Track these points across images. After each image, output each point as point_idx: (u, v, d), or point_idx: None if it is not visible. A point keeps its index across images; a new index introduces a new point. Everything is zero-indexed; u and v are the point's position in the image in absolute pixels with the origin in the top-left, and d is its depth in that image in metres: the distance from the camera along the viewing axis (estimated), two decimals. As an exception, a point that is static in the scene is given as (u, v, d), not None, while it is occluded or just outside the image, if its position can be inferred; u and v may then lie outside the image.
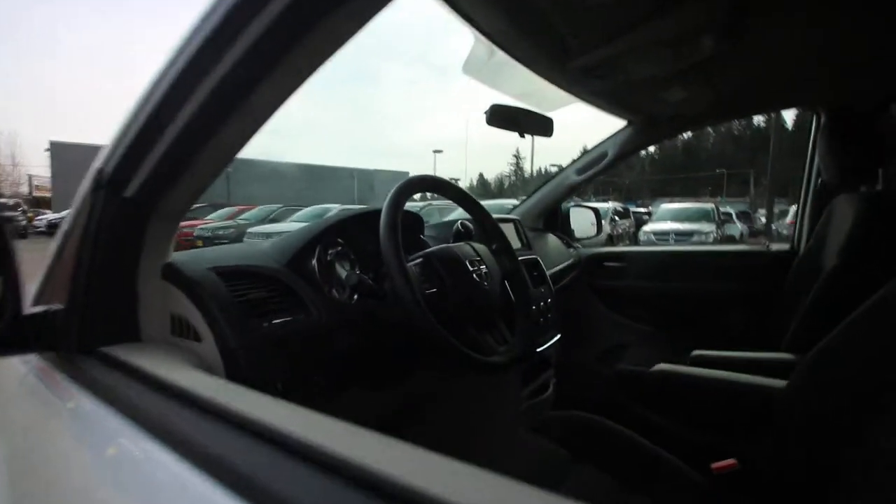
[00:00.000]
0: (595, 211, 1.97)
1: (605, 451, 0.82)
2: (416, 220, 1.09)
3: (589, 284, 1.76)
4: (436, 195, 0.94)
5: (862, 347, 0.54)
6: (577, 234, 1.79)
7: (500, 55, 0.96)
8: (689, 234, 10.23)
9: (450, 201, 0.92)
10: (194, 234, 9.39)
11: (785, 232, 12.35)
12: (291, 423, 0.33)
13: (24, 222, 15.58)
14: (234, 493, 0.29)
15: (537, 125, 1.27)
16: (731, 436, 0.86)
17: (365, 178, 29.92)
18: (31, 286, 0.66)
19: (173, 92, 0.48)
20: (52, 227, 13.94)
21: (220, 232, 9.79)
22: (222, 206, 13.19)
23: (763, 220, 15.13)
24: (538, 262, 1.33)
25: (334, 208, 9.81)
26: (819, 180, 1.43)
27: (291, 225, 8.86)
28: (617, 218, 12.01)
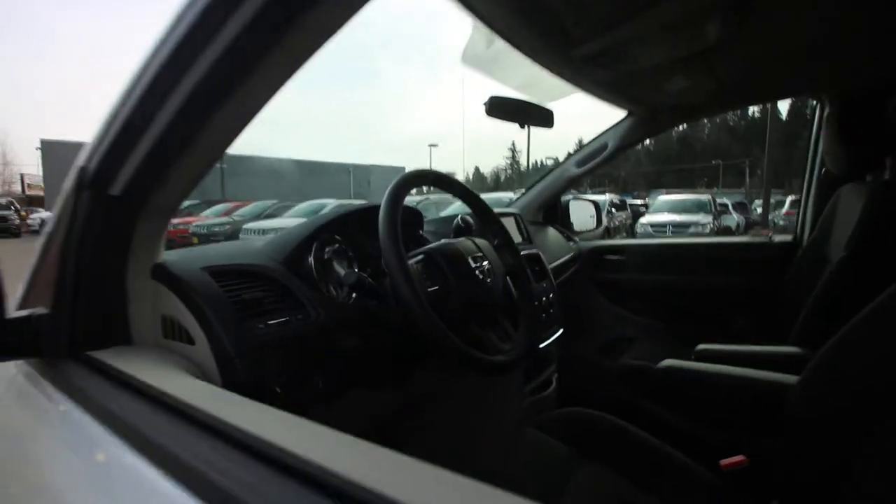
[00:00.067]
0: (595, 204, 1.96)
1: (611, 449, 0.81)
2: (415, 215, 1.06)
3: (590, 278, 1.75)
4: (432, 189, 0.92)
5: (878, 343, 0.52)
6: (577, 227, 1.77)
7: (500, 44, 0.93)
8: (686, 225, 10.31)
9: (446, 195, 0.90)
10: (190, 230, 9.30)
11: (782, 223, 12.43)
12: (286, 437, 0.32)
13: (17, 221, 15.53)
14: None
15: (537, 116, 1.24)
16: (740, 432, 0.85)
17: (361, 174, 29.82)
18: (21, 288, 0.63)
19: (156, 85, 0.46)
20: (45, 226, 13.75)
21: (217, 228, 9.75)
22: (216, 203, 13.11)
23: (759, 210, 15.18)
24: (540, 256, 1.32)
25: (331, 203, 9.77)
26: (822, 170, 1.41)
27: (288, 221, 8.82)
28: (614, 210, 12.07)
